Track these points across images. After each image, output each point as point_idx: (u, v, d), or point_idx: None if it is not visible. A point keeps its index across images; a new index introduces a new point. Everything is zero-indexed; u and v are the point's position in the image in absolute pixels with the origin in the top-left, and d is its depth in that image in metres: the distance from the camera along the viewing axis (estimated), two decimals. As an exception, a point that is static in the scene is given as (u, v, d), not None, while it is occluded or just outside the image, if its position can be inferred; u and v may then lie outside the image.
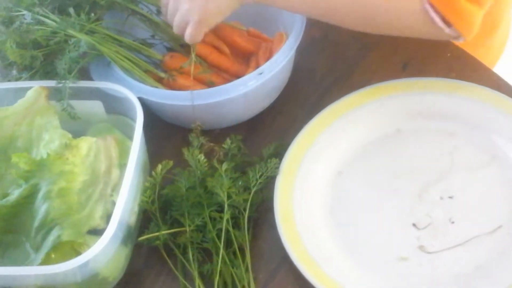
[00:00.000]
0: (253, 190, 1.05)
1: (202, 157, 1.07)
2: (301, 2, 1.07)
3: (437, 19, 0.99)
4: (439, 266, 0.98)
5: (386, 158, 1.10)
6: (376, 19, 1.05)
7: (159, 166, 1.05)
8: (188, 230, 1.02)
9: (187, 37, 1.09)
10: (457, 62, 1.19)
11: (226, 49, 1.20)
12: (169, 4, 1.10)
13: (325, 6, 1.06)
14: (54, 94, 1.08)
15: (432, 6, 0.99)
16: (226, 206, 1.02)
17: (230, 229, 1.01)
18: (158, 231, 1.02)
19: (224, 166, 1.04)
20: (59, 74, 1.08)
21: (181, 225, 1.03)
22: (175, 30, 1.10)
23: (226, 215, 1.01)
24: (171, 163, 1.06)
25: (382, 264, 1.00)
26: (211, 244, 1.01)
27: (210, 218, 1.02)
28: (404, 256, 1.00)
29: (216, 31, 1.20)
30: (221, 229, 1.01)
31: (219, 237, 1.00)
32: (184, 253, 1.02)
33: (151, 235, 1.02)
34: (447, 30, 1.01)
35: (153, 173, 1.05)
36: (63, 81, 1.07)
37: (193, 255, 1.01)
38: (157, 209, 1.04)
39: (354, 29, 1.09)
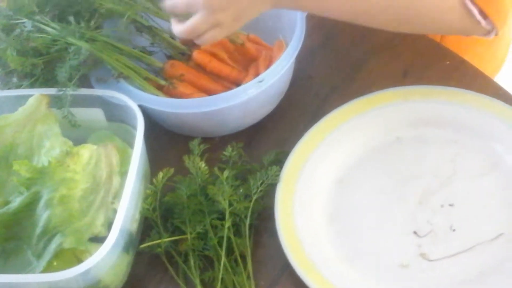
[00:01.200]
0: (254, 198, 1.05)
1: (203, 164, 1.07)
2: (335, 8, 1.06)
3: (475, 12, 1.01)
4: (440, 274, 0.98)
5: (386, 165, 1.10)
6: (413, 20, 1.05)
7: (160, 174, 1.05)
8: (189, 237, 1.01)
9: (210, 40, 1.04)
10: (456, 70, 1.19)
11: (224, 56, 1.20)
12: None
13: (359, 9, 1.05)
14: (55, 102, 1.08)
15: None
16: (227, 213, 1.02)
17: (232, 236, 1.01)
18: (159, 238, 1.02)
19: (225, 173, 1.05)
20: (59, 82, 1.08)
21: (183, 232, 1.02)
22: (189, 28, 1.03)
23: (228, 223, 1.01)
24: (172, 170, 1.06)
25: (383, 271, 1.00)
26: (213, 252, 1.01)
27: (211, 225, 1.02)
28: (405, 263, 1.00)
29: None
30: (222, 237, 1.01)
31: (220, 245, 1.00)
32: (186, 260, 1.01)
33: (152, 242, 1.02)
34: (483, 22, 1.03)
35: (154, 180, 1.05)
36: (64, 89, 1.07)
37: (194, 263, 1.01)
38: (158, 217, 1.04)
39: (388, 30, 1.09)
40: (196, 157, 1.08)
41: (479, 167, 1.08)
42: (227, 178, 1.05)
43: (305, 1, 1.05)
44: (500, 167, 1.07)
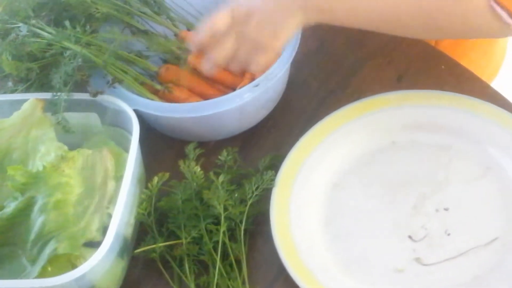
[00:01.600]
0: (249, 203, 1.04)
1: (198, 169, 1.07)
2: (363, 18, 1.03)
3: (504, 15, 0.99)
4: (435, 278, 0.99)
5: (381, 170, 1.11)
6: (443, 26, 1.03)
7: (155, 178, 1.05)
8: (184, 242, 1.01)
9: (259, 65, 1.04)
10: (451, 75, 1.20)
11: None
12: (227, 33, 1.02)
13: (388, 18, 1.02)
14: (50, 106, 1.07)
15: (497, 3, 0.98)
16: (222, 218, 1.01)
17: (227, 241, 1.01)
18: (154, 243, 1.02)
19: (221, 178, 1.04)
20: (54, 88, 1.08)
21: (178, 237, 1.02)
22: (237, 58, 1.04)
23: (223, 227, 1.01)
24: (167, 175, 1.06)
25: (378, 276, 1.00)
26: (208, 256, 1.01)
27: (206, 230, 1.02)
28: (400, 268, 1.00)
29: None
30: (217, 242, 1.01)
31: (215, 249, 1.00)
32: (181, 265, 1.01)
33: (147, 247, 1.02)
34: None
35: (149, 185, 1.05)
36: (58, 94, 1.07)
37: (189, 268, 1.01)
38: (153, 222, 1.04)
39: (416, 37, 1.10)
40: (192, 161, 1.08)
41: (473, 171, 1.08)
42: (222, 182, 1.05)
43: (335, 14, 1.02)
44: (495, 171, 1.07)
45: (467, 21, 1.02)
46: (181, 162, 1.08)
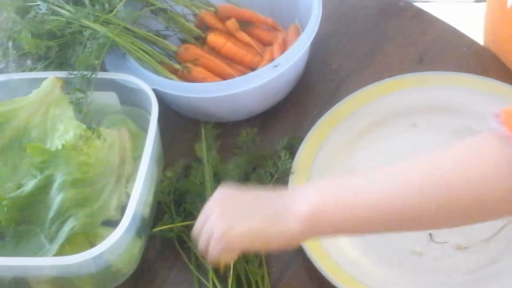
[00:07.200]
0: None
1: (214, 152, 1.07)
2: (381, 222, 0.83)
3: None
4: (453, 261, 0.98)
5: (401, 152, 1.09)
6: (470, 212, 0.80)
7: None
8: (202, 222, 1.01)
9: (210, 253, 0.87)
10: (473, 57, 1.19)
11: (247, 39, 1.19)
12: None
13: (410, 219, 0.82)
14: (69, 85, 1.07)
15: None
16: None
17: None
18: (172, 223, 1.02)
19: (240, 161, 1.04)
20: (73, 66, 1.07)
21: (195, 217, 1.02)
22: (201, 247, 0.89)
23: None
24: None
25: (396, 258, 1.00)
26: (225, 237, 1.01)
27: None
28: (418, 250, 1.00)
29: (239, 18, 1.21)
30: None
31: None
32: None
33: (165, 226, 1.02)
34: None
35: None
36: (76, 73, 1.06)
37: (206, 248, 1.01)
38: (171, 201, 1.03)
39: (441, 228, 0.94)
40: (207, 143, 1.08)
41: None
42: (239, 164, 1.04)
43: (342, 224, 0.83)
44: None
45: (492, 195, 0.78)
46: (196, 146, 1.08)
